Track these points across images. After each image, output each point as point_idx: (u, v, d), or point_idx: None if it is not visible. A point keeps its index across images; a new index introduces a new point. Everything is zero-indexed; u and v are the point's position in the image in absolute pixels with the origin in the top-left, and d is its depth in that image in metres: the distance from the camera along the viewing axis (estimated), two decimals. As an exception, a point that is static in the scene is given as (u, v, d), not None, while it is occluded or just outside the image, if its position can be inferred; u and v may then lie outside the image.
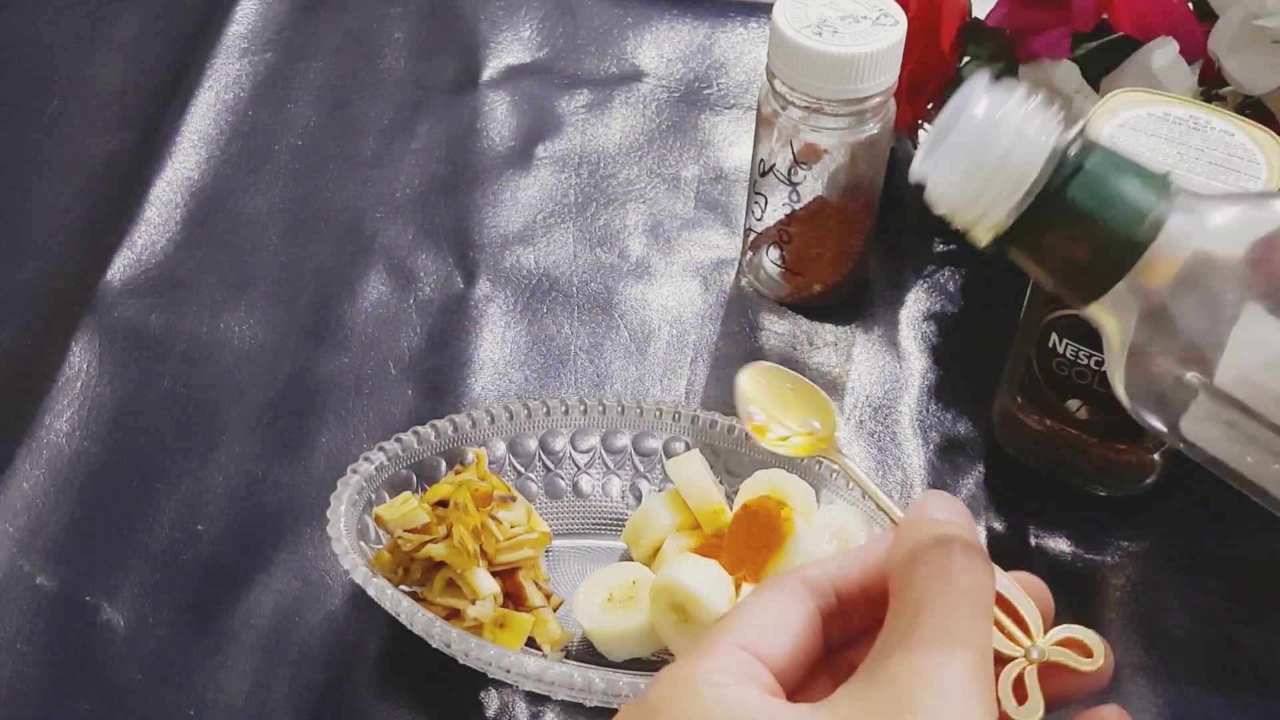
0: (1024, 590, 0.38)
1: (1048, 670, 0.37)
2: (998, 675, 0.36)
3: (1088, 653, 0.37)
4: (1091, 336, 0.56)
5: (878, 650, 0.35)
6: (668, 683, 0.36)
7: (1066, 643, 0.37)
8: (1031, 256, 0.40)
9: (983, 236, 0.39)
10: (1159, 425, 0.42)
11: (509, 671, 0.51)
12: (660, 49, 0.83)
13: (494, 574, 0.54)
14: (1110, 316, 0.41)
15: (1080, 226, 0.38)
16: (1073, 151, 0.38)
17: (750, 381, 0.53)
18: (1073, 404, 0.59)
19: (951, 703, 0.33)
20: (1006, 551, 0.60)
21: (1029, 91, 0.39)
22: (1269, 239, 0.40)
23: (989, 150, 0.38)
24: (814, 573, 0.38)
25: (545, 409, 0.60)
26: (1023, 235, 0.39)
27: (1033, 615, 0.38)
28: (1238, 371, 0.39)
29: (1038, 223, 0.38)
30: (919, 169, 0.39)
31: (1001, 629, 0.37)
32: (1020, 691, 0.36)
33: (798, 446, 0.51)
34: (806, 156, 0.64)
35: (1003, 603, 0.38)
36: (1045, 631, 0.38)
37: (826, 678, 0.38)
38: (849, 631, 0.38)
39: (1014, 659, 0.37)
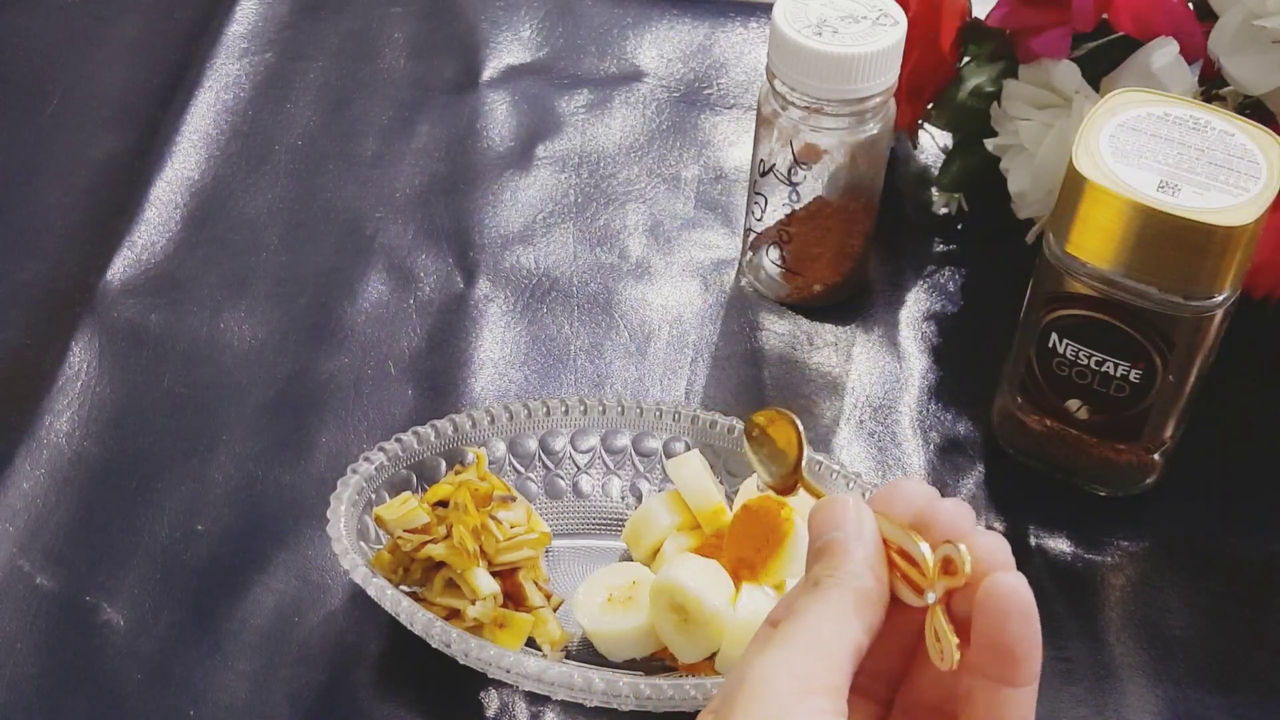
0: (916, 530, 0.39)
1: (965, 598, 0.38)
2: (902, 624, 0.39)
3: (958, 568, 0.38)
4: (1092, 336, 0.56)
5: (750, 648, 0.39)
6: None
7: (946, 562, 0.38)
8: None
9: None
10: None
11: (509, 671, 0.51)
12: (660, 49, 0.83)
13: (494, 574, 0.54)
14: None
15: None
16: None
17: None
18: (1073, 404, 0.59)
19: (777, 702, 0.37)
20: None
21: None
22: None
23: None
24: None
25: (545, 409, 0.60)
26: None
27: (921, 554, 0.38)
28: None
29: None
30: None
31: (904, 577, 0.39)
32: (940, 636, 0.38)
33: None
34: (806, 156, 0.64)
35: (901, 552, 0.39)
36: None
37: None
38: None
39: (919, 607, 0.38)
